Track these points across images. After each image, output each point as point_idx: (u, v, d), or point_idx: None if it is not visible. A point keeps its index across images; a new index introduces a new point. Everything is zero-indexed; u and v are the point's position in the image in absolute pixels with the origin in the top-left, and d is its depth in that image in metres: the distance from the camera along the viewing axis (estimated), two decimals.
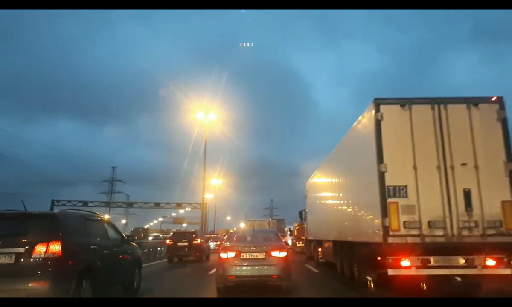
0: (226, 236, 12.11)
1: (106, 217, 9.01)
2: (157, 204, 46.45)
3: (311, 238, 17.41)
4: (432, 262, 6.79)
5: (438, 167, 6.88)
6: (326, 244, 13.57)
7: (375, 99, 7.21)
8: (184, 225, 67.60)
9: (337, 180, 11.25)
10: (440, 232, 6.66)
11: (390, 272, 6.75)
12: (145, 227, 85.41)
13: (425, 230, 6.66)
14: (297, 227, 26.91)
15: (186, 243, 18.41)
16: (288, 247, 32.65)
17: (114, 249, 7.54)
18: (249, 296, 7.64)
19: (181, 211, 75.95)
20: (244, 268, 7.62)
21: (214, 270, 11.10)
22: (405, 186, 6.82)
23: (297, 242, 25.90)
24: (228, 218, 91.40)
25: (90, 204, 42.72)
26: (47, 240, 5.54)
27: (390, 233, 6.64)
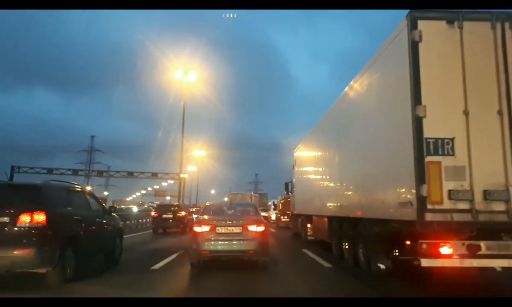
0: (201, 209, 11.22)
1: (88, 188, 8.34)
2: (130, 174, 43.68)
3: (298, 212, 15.39)
4: (483, 250, 4.73)
5: (500, 113, 4.72)
6: (318, 220, 11.52)
7: (411, 12, 4.89)
8: (168, 198, 65.53)
9: (337, 142, 9.02)
10: (500, 207, 4.57)
11: (424, 262, 4.68)
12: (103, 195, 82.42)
13: (479, 203, 4.56)
14: (282, 201, 24.96)
15: (170, 216, 18.81)
16: (271, 221, 31.13)
17: (96, 219, 7.64)
18: (224, 270, 7.30)
19: (164, 183, 73.57)
20: (219, 242, 7.17)
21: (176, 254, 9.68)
22: (452, 139, 4.66)
23: (282, 217, 24.04)
24: (212, 191, 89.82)
25: (55, 171, 39.52)
26: (31, 210, 5.63)
27: (429, 206, 4.52)
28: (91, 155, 79.42)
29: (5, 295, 5.22)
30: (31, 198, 5.97)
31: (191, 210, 28.75)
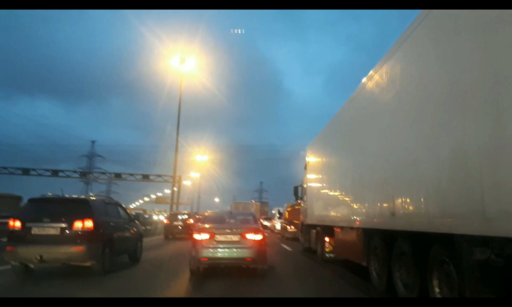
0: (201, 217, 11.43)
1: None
2: (118, 175, 40.56)
3: (312, 222, 12.51)
4: None
5: None
6: (343, 234, 8.67)
7: None
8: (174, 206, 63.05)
9: (382, 117, 6.15)
10: None
11: None
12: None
13: None
14: (289, 209, 22.16)
15: (180, 223, 20.86)
16: (276, 231, 28.15)
17: (125, 225, 9.55)
18: (222, 278, 7.52)
19: (167, 191, 70.75)
20: (217, 250, 7.39)
21: None
22: None
23: (288, 226, 21.15)
24: (217, 200, 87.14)
25: (32, 172, 36.53)
26: (82, 218, 7.43)
27: None
28: (91, 160, 76.87)
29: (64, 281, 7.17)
30: (81, 209, 7.67)
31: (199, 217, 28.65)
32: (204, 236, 7.41)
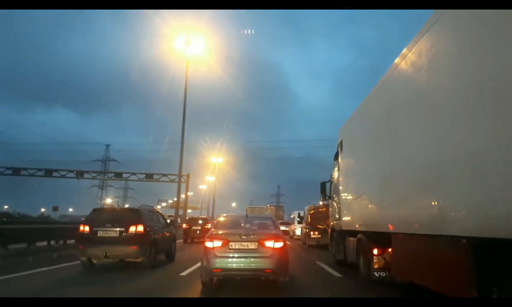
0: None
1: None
2: (119, 175, 37.88)
3: (349, 228, 9.53)
4: None
5: None
6: (412, 245, 5.63)
7: None
8: (189, 211, 61.94)
9: None
10: None
11: None
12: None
13: None
14: (312, 212, 19.29)
15: (199, 228, 21.42)
16: (296, 237, 25.20)
17: (163, 229, 11.48)
18: (239, 292, 6.87)
19: (183, 195, 68.49)
20: (232, 260, 6.63)
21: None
22: None
23: (311, 232, 18.16)
24: (234, 204, 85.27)
25: (23, 171, 34.11)
26: (135, 223, 9.46)
27: None
28: (105, 164, 76.61)
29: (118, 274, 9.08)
30: (134, 216, 9.77)
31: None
32: (217, 243, 6.70)
